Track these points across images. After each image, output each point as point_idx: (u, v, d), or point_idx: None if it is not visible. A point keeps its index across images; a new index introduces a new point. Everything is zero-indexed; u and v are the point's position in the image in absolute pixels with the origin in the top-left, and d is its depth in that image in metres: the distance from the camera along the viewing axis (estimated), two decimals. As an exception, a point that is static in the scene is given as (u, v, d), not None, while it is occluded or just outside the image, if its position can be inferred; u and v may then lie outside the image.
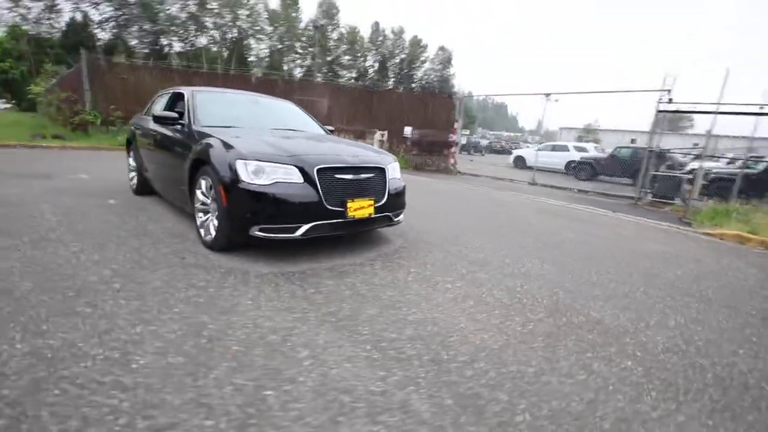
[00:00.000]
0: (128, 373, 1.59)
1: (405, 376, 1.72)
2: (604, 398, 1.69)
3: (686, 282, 3.41)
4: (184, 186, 3.48)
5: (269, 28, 52.00)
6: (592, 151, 18.45)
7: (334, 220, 2.99)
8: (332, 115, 13.81)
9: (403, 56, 65.25)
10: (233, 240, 3.01)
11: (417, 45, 63.27)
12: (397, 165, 3.70)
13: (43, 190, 4.78)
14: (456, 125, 13.44)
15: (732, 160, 15.79)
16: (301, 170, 2.90)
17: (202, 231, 3.25)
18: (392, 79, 64.75)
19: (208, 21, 46.42)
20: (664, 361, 2.04)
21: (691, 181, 9.58)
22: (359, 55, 63.13)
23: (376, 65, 64.62)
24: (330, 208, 2.94)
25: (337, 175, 3.03)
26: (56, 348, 1.71)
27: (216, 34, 47.81)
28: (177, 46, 46.96)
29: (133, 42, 42.39)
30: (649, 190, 10.10)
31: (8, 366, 1.57)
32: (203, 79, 13.56)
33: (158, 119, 3.73)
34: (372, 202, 3.20)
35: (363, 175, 3.19)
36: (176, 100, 4.40)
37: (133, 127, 5.20)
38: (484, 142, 35.47)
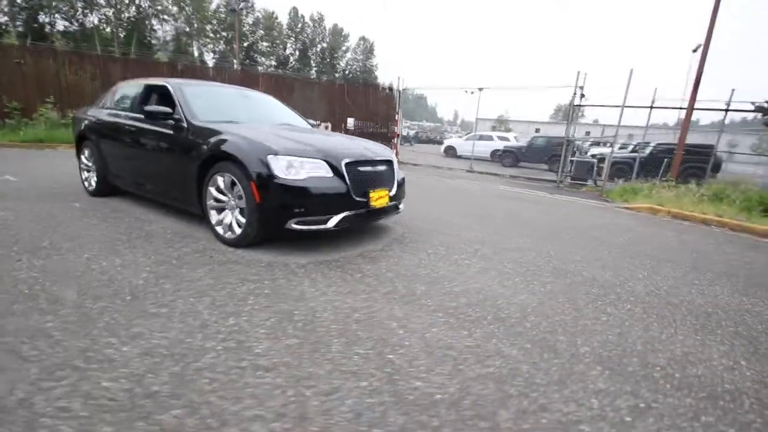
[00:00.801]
0: (258, 356, 1.71)
1: (484, 332, 2.08)
2: (627, 330, 2.23)
3: (631, 245, 4.26)
4: (188, 184, 3.37)
5: (174, 8, 47.31)
6: (512, 140, 20.36)
7: (360, 210, 3.20)
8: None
9: (324, 45, 64.18)
10: (266, 234, 3.06)
11: (338, 34, 62.66)
12: (395, 157, 3.98)
13: (-19, 196, 4.15)
14: (397, 117, 13.96)
15: (623, 146, 18.74)
16: (330, 164, 3.05)
17: (219, 228, 3.22)
18: (314, 68, 63.46)
19: (100, -3, 40.72)
20: (650, 302, 2.67)
21: (600, 165, 11.30)
22: (278, 42, 60.67)
23: (297, 53, 62.73)
24: (356, 199, 3.14)
25: (360, 168, 3.23)
26: (167, 346, 1.74)
27: (110, 12, 42.19)
28: (61, 25, 40.61)
29: (2, 19, 35.62)
30: (568, 174, 11.63)
31: (133, 366, 1.59)
32: (122, 66, 12.18)
33: (149, 114, 3.51)
34: (387, 192, 3.46)
35: (379, 168, 3.43)
36: (150, 92, 4.13)
37: (87, 122, 4.70)
38: (411, 133, 36.74)
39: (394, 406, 1.47)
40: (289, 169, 2.90)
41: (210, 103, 3.80)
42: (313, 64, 63.00)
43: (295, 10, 60.00)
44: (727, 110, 8.68)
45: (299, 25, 61.14)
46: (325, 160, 3.05)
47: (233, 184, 3.07)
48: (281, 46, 61.25)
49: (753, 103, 8.02)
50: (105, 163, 4.43)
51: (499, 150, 19.32)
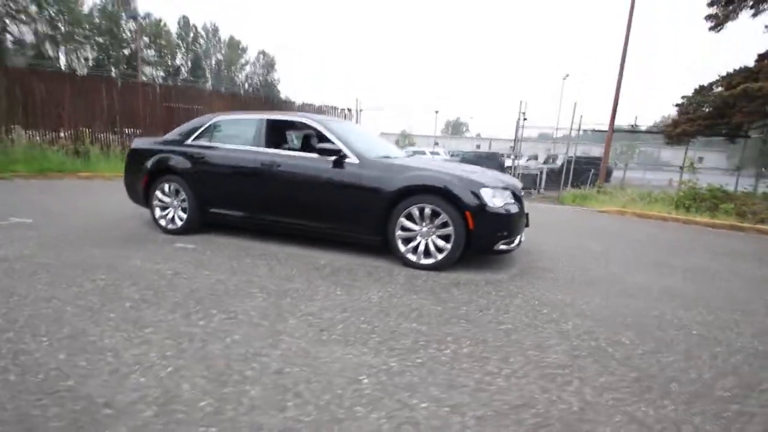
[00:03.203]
0: (561, 355, 2.25)
1: (708, 310, 2.89)
2: (739, 290, 3.31)
3: (652, 241, 5.65)
4: (370, 215, 3.56)
5: (33, 8, 39.88)
6: (443, 154, 22.43)
7: (525, 230, 3.82)
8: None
9: (219, 57, 60.58)
10: (477, 255, 3.48)
11: (236, 47, 59.79)
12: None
13: (38, 244, 3.57)
14: (357, 136, 14.46)
15: (531, 158, 22.28)
16: (513, 193, 3.62)
17: (411, 256, 3.50)
18: (210, 81, 59.36)
19: None
20: (748, 278, 3.85)
21: (540, 176, 13.53)
22: (166, 51, 55.31)
23: (189, 64, 57.97)
24: (525, 221, 3.77)
25: (521, 195, 3.86)
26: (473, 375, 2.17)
27: (-61, 4, 33.62)
28: None
29: None
30: (515, 184, 13.55)
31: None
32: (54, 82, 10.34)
33: (321, 151, 3.61)
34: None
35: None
36: (273, 126, 4.12)
37: (169, 156, 4.32)
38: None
39: (737, 353, 2.19)
40: (493, 199, 3.39)
41: (357, 139, 4.00)
42: (209, 76, 58.94)
43: (185, 18, 55.51)
44: (636, 131, 11.40)
45: (190, 35, 56.72)
46: (510, 190, 3.61)
47: (434, 213, 3.41)
48: (169, 56, 55.98)
49: (660, 126, 10.76)
50: (205, 199, 4.20)
51: (434, 164, 21.15)
